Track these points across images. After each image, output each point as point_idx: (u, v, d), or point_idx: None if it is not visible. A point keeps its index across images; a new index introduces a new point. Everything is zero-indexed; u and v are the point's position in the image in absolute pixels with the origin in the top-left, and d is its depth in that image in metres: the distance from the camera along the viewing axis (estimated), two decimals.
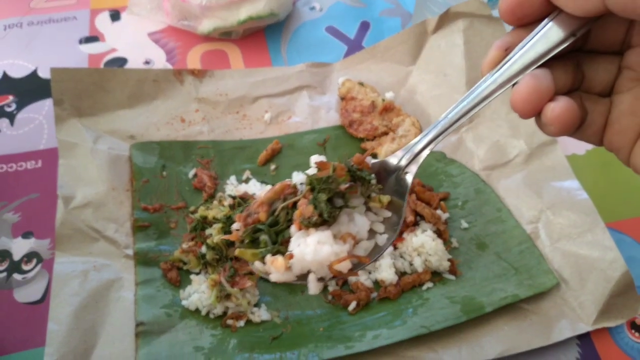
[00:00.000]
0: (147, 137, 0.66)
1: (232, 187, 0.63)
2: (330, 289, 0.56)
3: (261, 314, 0.54)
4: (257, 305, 0.55)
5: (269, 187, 0.61)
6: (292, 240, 0.34)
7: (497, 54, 0.33)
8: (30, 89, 0.73)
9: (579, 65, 0.34)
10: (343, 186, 0.34)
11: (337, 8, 0.86)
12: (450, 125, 0.35)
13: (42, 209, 0.61)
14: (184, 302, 0.54)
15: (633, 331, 0.56)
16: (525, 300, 0.55)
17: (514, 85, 0.32)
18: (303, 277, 0.34)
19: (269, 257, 0.34)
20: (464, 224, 0.62)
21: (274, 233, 0.35)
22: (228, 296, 0.53)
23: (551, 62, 0.32)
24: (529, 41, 0.32)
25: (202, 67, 0.76)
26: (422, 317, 0.53)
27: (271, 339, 0.52)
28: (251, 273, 0.55)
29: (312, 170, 0.35)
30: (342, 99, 0.71)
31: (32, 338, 0.52)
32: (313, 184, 0.34)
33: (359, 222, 0.35)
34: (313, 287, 0.34)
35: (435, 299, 0.55)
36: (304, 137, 0.69)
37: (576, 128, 0.33)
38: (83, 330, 0.49)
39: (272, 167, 0.67)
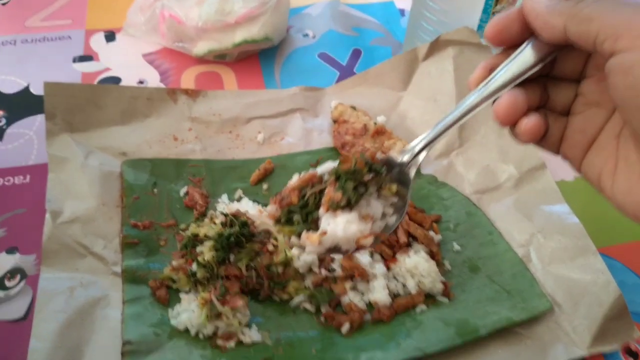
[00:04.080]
0: (139, 154, 0.66)
1: (224, 205, 0.63)
2: (323, 310, 0.55)
3: (252, 335, 0.52)
4: (248, 325, 0.53)
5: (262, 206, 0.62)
6: (322, 220, 0.42)
7: (482, 73, 0.40)
8: (22, 104, 0.72)
9: (546, 88, 0.40)
10: (367, 177, 0.42)
11: (329, 36, 0.88)
12: (444, 131, 0.41)
13: (28, 225, 0.59)
14: (172, 322, 0.52)
15: (628, 356, 0.55)
16: (520, 324, 0.54)
17: (494, 101, 0.39)
18: (330, 250, 0.42)
19: (304, 233, 0.42)
20: (456, 247, 0.62)
21: (304, 214, 0.43)
22: (218, 315, 0.51)
23: (524, 84, 0.38)
24: (507, 64, 0.38)
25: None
26: (416, 340, 0.52)
27: None
28: (242, 292, 0.55)
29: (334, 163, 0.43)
30: (335, 121, 0.72)
31: (12, 357, 0.50)
32: (339, 174, 0.41)
33: (374, 206, 0.43)
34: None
35: (429, 322, 0.55)
36: (296, 158, 0.70)
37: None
38: (67, 349, 0.47)
39: (265, 186, 0.67)
